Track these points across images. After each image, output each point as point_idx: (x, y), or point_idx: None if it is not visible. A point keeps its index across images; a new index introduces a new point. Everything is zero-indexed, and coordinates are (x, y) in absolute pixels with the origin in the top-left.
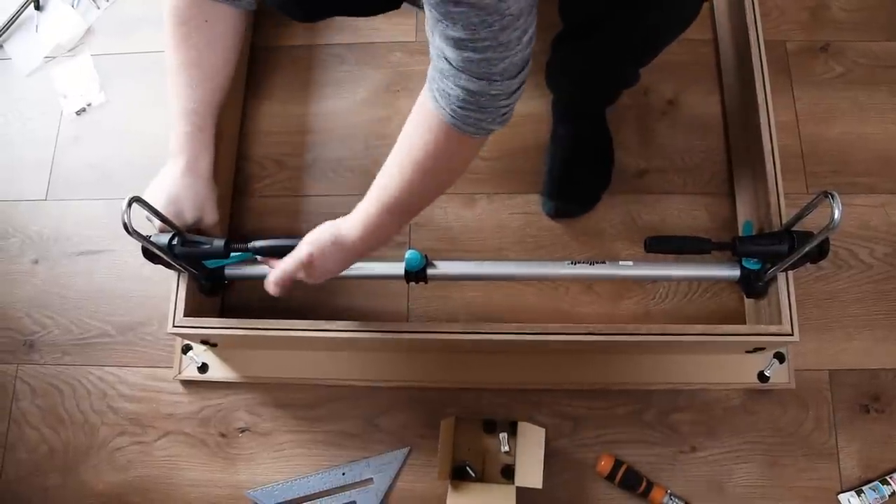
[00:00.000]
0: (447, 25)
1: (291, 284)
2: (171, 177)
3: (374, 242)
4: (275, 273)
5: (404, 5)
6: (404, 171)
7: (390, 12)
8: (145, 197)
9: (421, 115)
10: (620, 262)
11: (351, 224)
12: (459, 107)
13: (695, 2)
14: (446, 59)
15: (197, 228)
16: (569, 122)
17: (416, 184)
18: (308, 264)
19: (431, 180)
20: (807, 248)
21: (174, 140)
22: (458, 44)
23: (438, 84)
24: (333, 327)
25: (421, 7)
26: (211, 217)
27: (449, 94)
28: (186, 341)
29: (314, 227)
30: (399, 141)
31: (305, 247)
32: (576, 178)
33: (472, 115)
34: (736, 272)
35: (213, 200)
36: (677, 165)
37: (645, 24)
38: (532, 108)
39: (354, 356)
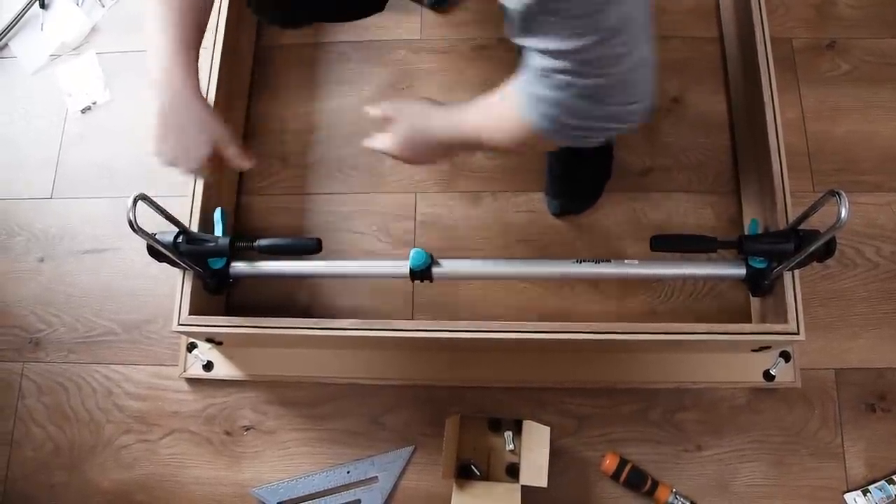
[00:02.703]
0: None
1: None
2: (163, 118)
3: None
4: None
5: (409, 3)
6: (487, 121)
7: (396, 12)
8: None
9: (511, 103)
10: (626, 261)
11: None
12: (551, 114)
13: None
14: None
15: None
16: None
17: (491, 135)
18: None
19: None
20: (813, 247)
21: (155, 69)
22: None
23: (532, 89)
24: (338, 325)
25: (424, 4)
26: (221, 135)
27: (545, 102)
28: (191, 339)
29: (319, 225)
30: (489, 98)
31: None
32: (575, 175)
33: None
34: (742, 271)
35: (213, 116)
36: (682, 164)
37: None
38: None
39: (359, 354)
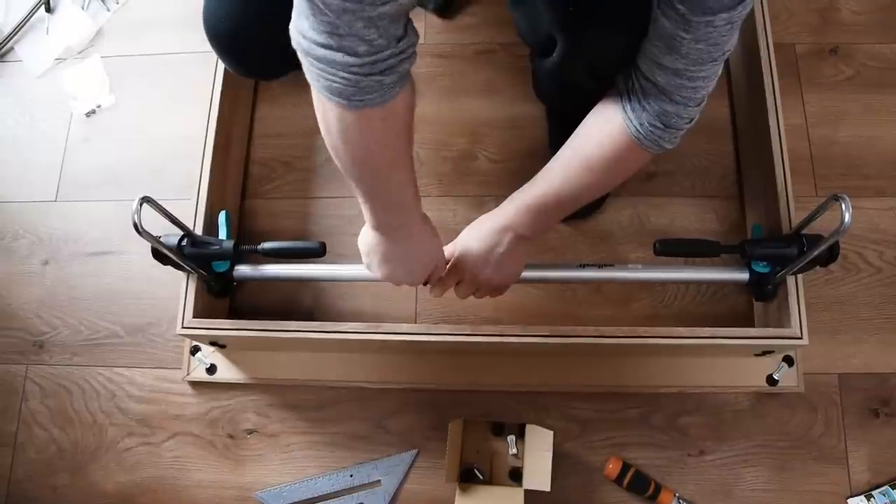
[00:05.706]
0: (675, 58)
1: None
2: (418, 246)
3: (541, 231)
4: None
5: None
6: (569, 170)
7: None
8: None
9: (603, 123)
10: (629, 265)
11: (514, 217)
12: (650, 124)
13: (626, 32)
14: (653, 81)
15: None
16: (562, 125)
17: (582, 182)
18: (486, 280)
19: (597, 181)
20: (816, 252)
21: (405, 207)
22: (677, 72)
23: (633, 102)
24: (342, 329)
25: (427, 8)
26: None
27: (644, 111)
28: (195, 343)
29: (323, 228)
30: (572, 143)
31: (467, 267)
32: None
33: (658, 133)
34: (745, 275)
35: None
36: (686, 168)
37: (582, 55)
38: (540, 111)
39: (363, 358)
